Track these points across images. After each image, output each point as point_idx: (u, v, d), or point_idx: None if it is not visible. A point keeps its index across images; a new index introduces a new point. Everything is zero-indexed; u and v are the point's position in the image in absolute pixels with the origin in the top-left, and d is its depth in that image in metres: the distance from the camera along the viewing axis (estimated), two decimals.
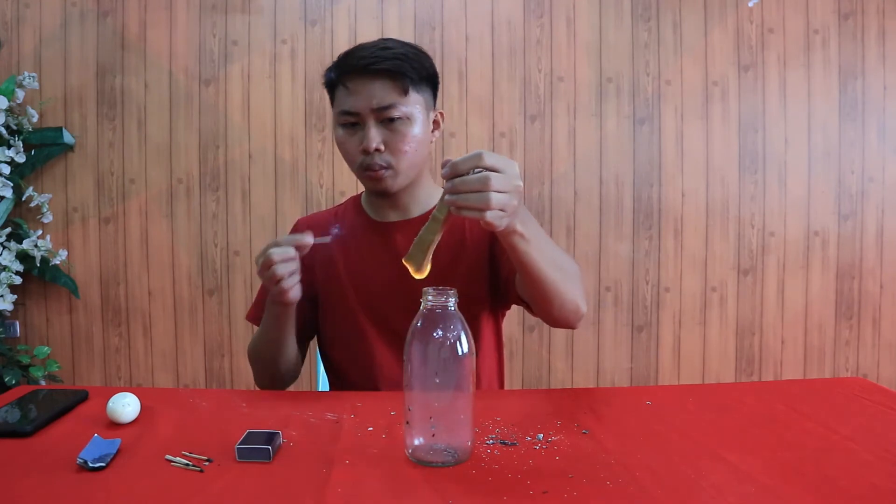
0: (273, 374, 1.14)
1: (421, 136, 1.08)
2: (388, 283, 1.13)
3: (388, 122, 1.05)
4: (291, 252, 0.94)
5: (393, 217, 1.16)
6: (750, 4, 2.60)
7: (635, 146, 2.62)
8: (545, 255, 0.88)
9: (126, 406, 0.80)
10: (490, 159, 0.76)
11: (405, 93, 1.06)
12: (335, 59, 1.11)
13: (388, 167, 1.07)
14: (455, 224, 1.12)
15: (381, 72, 1.04)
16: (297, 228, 1.24)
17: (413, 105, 1.06)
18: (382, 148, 1.05)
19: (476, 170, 0.75)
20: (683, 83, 2.62)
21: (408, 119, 1.06)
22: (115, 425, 0.79)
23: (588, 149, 2.61)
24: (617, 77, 2.60)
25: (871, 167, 2.68)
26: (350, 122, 1.07)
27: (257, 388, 1.14)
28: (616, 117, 2.61)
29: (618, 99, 2.61)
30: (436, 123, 1.14)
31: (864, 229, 2.69)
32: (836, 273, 2.70)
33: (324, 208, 1.35)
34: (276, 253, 0.93)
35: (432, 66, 1.11)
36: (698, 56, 2.62)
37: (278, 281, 0.94)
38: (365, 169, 1.07)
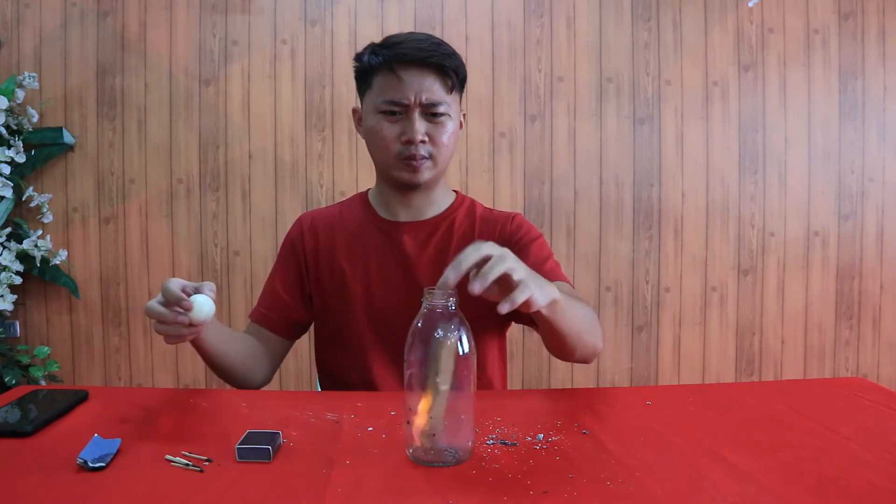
0: (231, 382, 1.11)
1: (456, 133, 1.11)
2: (393, 285, 1.12)
3: (430, 115, 1.07)
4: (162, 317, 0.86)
5: (404, 217, 1.15)
6: (750, 4, 2.60)
7: (635, 146, 2.62)
8: (571, 310, 0.87)
9: (203, 304, 0.86)
10: (463, 263, 0.70)
11: (451, 91, 1.08)
12: (377, 43, 1.09)
13: (429, 157, 1.08)
14: (465, 233, 1.15)
15: (434, 66, 1.05)
16: (301, 223, 1.21)
17: (453, 103, 1.09)
18: (426, 139, 1.07)
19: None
20: (683, 83, 2.62)
21: (448, 115, 1.08)
22: (115, 425, 0.79)
23: (588, 149, 2.61)
24: (617, 77, 2.60)
25: (871, 167, 2.68)
26: (392, 111, 1.07)
27: (257, 388, 1.14)
28: (616, 117, 2.61)
29: (618, 99, 2.61)
30: (460, 123, 1.15)
31: (864, 229, 2.69)
32: (836, 273, 2.70)
33: (321, 207, 1.33)
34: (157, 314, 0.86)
35: (465, 68, 1.13)
36: (698, 56, 2.62)
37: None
38: (404, 158, 1.07)
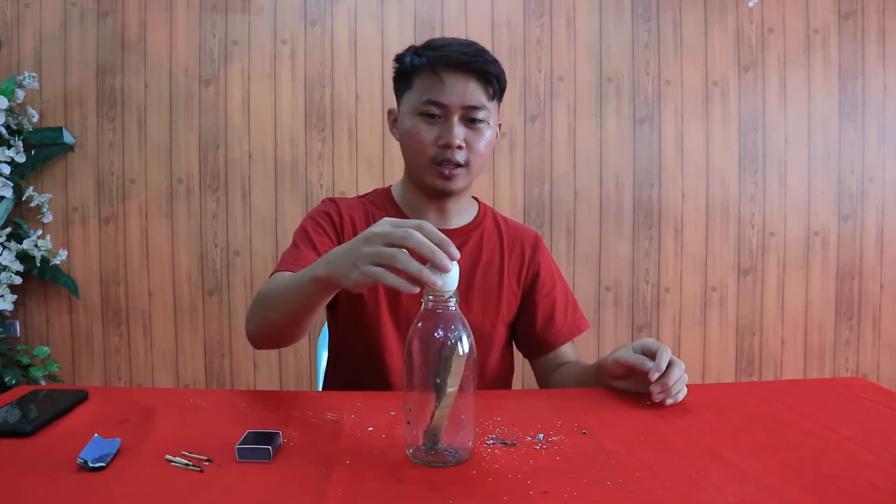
0: (274, 339, 0.97)
1: (492, 143, 1.10)
2: (420, 290, 1.11)
3: (469, 121, 1.06)
4: (429, 251, 0.66)
5: (432, 222, 1.13)
6: (750, 4, 2.60)
7: (635, 146, 2.62)
8: None
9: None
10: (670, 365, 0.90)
11: (492, 98, 1.08)
12: (419, 45, 1.09)
13: (465, 165, 1.07)
14: (495, 246, 1.18)
15: (477, 71, 1.05)
16: (336, 204, 1.16)
17: (492, 111, 1.09)
18: (464, 145, 1.06)
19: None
20: (683, 83, 2.62)
21: (487, 123, 1.07)
22: (115, 425, 0.79)
23: (588, 149, 2.61)
24: (617, 77, 2.60)
25: (871, 167, 2.68)
26: (431, 113, 1.05)
27: (256, 388, 1.13)
28: (616, 117, 2.61)
29: (618, 99, 2.61)
30: (496, 133, 1.14)
31: (864, 229, 2.69)
32: (836, 273, 2.70)
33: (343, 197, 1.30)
34: (424, 246, 0.66)
35: (506, 77, 1.12)
36: (698, 56, 2.62)
37: (382, 265, 0.68)
38: (439, 163, 1.06)
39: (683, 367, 0.89)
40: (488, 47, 2.49)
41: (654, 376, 0.87)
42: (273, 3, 2.51)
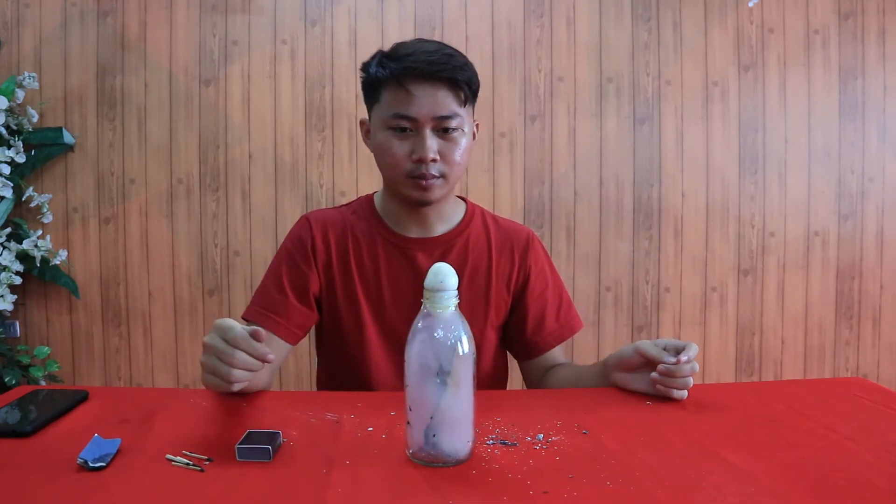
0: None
1: (469, 148, 1.07)
2: (405, 303, 1.10)
3: (441, 131, 1.02)
4: (252, 363, 0.81)
5: (414, 232, 1.12)
6: (750, 4, 2.60)
7: (635, 146, 2.62)
8: None
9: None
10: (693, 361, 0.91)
11: (463, 104, 1.03)
12: (384, 52, 1.05)
13: (441, 176, 1.04)
14: (482, 250, 1.15)
15: (445, 80, 1.00)
16: (310, 224, 1.14)
17: (466, 117, 1.05)
18: (438, 158, 1.02)
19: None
20: (683, 83, 2.62)
21: (461, 130, 1.04)
22: (115, 425, 0.79)
23: (588, 149, 2.61)
24: (617, 77, 2.60)
25: (871, 167, 2.68)
26: (401, 127, 1.02)
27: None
28: (616, 117, 2.61)
29: (618, 99, 2.61)
30: (473, 134, 1.11)
31: (864, 229, 2.69)
32: (836, 273, 2.70)
33: (324, 208, 1.28)
34: (239, 358, 0.80)
35: (478, 77, 1.08)
36: (698, 56, 2.62)
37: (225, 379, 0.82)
38: (414, 177, 1.03)
39: (697, 368, 0.91)
40: (488, 47, 2.53)
41: (683, 359, 0.89)
42: (273, 3, 2.51)
